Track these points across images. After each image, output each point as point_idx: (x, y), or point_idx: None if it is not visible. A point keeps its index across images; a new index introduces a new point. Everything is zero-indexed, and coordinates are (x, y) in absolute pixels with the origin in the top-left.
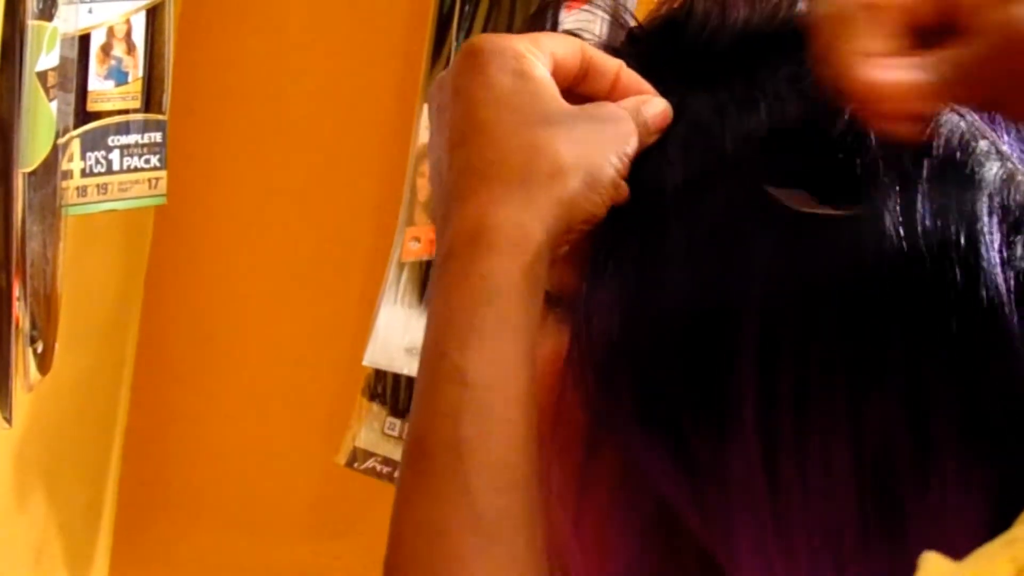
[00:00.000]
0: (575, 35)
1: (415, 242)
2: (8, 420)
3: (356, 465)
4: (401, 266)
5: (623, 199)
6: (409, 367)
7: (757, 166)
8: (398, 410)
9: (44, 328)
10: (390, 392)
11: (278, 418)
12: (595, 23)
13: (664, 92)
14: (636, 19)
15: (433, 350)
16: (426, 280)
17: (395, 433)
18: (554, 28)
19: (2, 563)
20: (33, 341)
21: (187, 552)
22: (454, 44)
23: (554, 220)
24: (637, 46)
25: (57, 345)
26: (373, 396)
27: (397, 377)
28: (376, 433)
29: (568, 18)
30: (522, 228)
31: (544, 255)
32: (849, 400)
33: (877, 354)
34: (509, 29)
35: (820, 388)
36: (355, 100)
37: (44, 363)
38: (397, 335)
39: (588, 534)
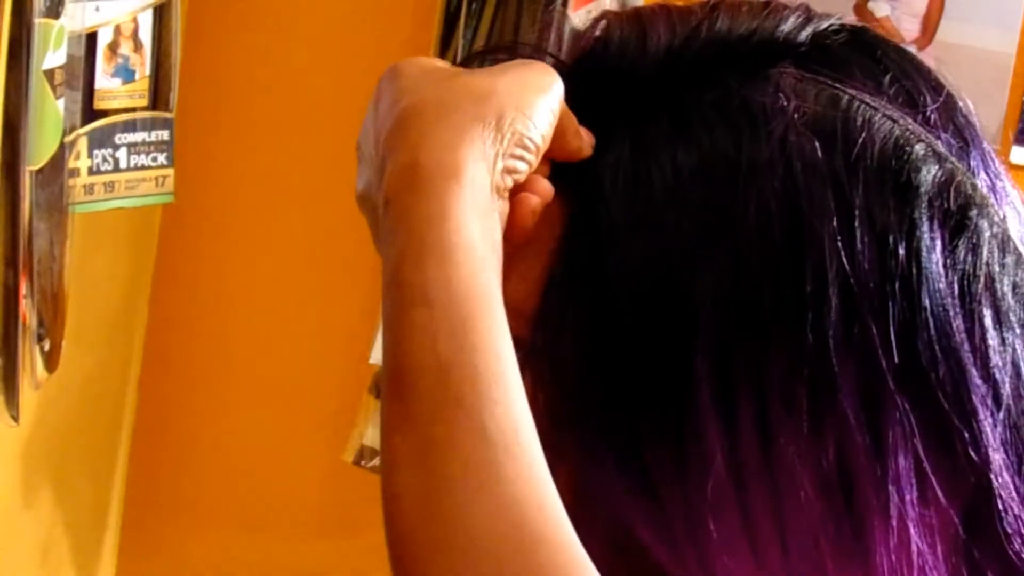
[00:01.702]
0: None
1: None
2: (15, 418)
3: (363, 463)
4: None
5: (573, 148)
6: None
7: (693, 194)
8: None
9: (51, 326)
10: None
11: (285, 416)
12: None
13: (591, 128)
14: (558, 57)
15: (391, 284)
16: None
17: None
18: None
19: (9, 561)
20: (40, 339)
21: (194, 549)
22: (460, 42)
23: (482, 142)
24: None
25: (64, 343)
26: (380, 394)
27: None
28: None
29: (574, 15)
30: (450, 153)
31: (479, 178)
32: (810, 415)
33: (829, 370)
34: (516, 28)
35: (780, 410)
36: (362, 98)
37: (51, 361)
38: None
39: None
